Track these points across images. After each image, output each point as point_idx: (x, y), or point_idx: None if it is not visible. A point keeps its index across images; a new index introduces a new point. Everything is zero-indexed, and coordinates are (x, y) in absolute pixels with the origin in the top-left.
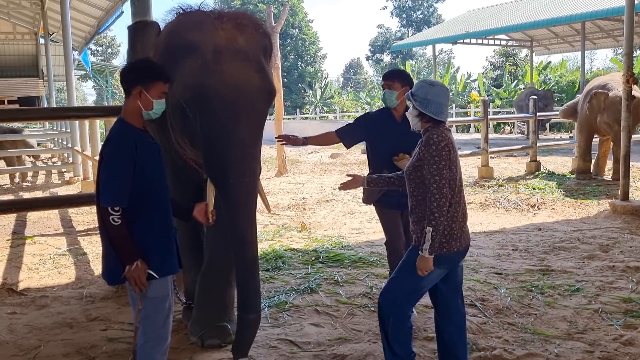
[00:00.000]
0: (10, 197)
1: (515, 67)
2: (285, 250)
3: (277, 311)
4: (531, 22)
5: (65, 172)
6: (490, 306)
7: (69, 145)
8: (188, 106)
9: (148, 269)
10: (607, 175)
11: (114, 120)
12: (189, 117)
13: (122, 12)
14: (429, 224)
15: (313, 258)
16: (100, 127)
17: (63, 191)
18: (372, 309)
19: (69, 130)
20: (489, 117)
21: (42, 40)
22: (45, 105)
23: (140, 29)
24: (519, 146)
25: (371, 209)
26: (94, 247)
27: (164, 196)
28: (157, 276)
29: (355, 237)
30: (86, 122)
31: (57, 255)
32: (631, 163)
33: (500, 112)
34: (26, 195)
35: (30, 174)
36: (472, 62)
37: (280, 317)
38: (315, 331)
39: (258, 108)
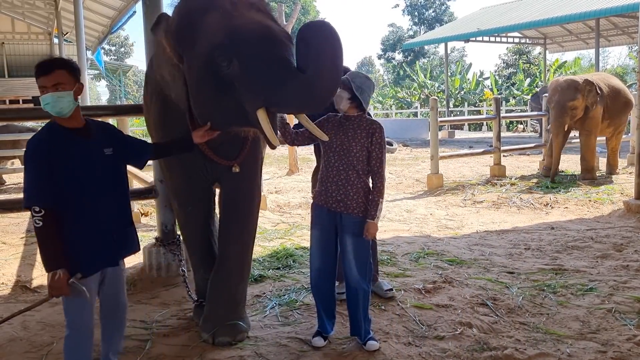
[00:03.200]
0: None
1: (528, 65)
2: (296, 248)
3: (288, 309)
4: (545, 19)
5: None
6: (501, 305)
7: None
8: (220, 52)
9: (75, 278)
10: (622, 172)
11: (126, 118)
12: (223, 66)
13: (134, 12)
14: (381, 196)
15: None
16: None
17: None
18: (383, 307)
19: None
20: (502, 115)
21: (56, 40)
22: None
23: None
24: (532, 144)
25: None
26: None
27: (89, 194)
28: (78, 284)
29: None
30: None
31: None
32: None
33: (513, 110)
34: None
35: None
36: (484, 60)
37: (290, 316)
38: None
39: (283, 42)
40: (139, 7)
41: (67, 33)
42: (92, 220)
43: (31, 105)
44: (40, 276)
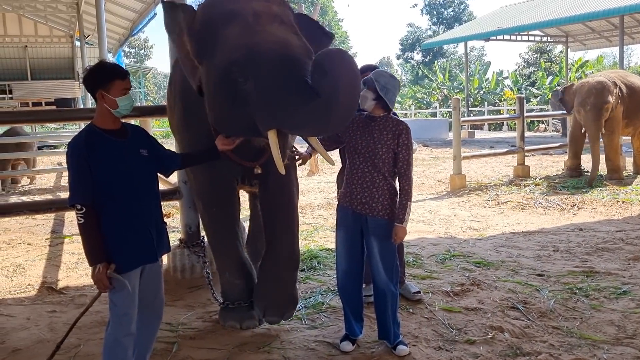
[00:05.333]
0: (49, 197)
1: (550, 63)
2: (320, 250)
3: (314, 312)
4: (567, 17)
5: None
6: (533, 309)
7: None
8: (238, 68)
9: (110, 269)
10: None
11: (148, 120)
12: (239, 82)
13: (155, 14)
14: (409, 199)
15: None
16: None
17: None
18: (410, 310)
19: None
20: (525, 114)
21: (77, 43)
22: (81, 107)
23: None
24: (556, 144)
25: None
26: None
27: (127, 192)
28: (118, 277)
29: None
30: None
31: None
32: None
33: (534, 109)
34: (63, 194)
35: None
36: (504, 59)
37: (317, 319)
38: None
39: (302, 61)
40: (159, 9)
41: (88, 36)
42: (131, 217)
43: (54, 108)
44: (65, 277)
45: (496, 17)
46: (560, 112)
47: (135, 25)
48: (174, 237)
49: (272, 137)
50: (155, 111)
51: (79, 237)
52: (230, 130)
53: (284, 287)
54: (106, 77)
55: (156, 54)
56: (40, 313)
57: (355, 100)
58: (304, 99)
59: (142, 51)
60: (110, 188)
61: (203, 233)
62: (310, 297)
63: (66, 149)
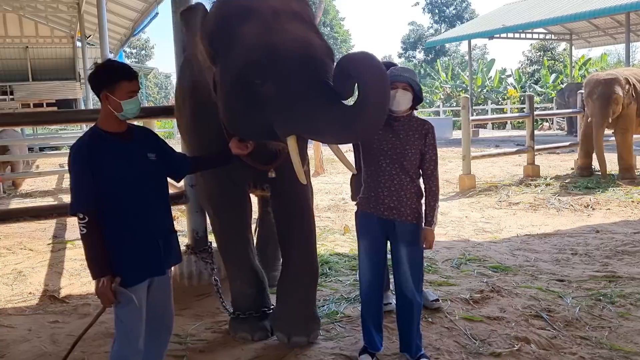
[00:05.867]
0: (51, 200)
1: (553, 61)
2: (331, 254)
3: (329, 322)
4: (572, 14)
5: None
6: (557, 318)
7: None
8: (255, 70)
9: (114, 283)
10: None
11: (153, 121)
12: (256, 84)
13: (157, 14)
14: (437, 201)
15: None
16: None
17: None
18: (430, 319)
19: None
20: (535, 113)
21: (78, 44)
22: (83, 107)
23: (187, 14)
24: (567, 143)
25: None
26: None
27: (133, 199)
28: (124, 291)
29: None
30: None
31: None
32: None
33: (537, 108)
34: (66, 198)
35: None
36: (507, 57)
37: (332, 329)
38: None
39: (324, 62)
40: (161, 8)
41: (89, 36)
42: (138, 226)
43: (55, 109)
44: (68, 285)
45: (500, 14)
46: (572, 110)
47: (137, 25)
48: (181, 242)
49: (291, 144)
50: (161, 112)
51: (81, 243)
52: (245, 134)
53: (306, 304)
54: (112, 78)
55: (157, 54)
56: (42, 324)
57: (386, 108)
58: (329, 105)
59: (143, 51)
60: (115, 195)
61: (211, 238)
62: (323, 306)
63: (68, 152)
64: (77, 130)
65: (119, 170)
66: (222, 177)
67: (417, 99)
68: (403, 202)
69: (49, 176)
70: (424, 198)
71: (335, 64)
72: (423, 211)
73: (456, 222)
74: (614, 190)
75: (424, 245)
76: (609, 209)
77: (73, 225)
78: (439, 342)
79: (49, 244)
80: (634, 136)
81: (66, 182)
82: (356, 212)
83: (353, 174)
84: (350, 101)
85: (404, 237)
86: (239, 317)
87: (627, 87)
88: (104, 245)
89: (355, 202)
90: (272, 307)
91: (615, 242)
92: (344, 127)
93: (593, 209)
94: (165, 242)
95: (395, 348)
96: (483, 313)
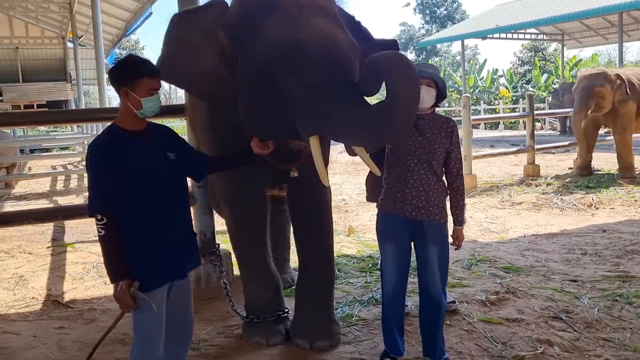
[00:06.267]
0: (45, 202)
1: (544, 62)
2: (338, 256)
3: (344, 325)
4: (565, 14)
5: None
6: (577, 319)
7: None
8: (279, 67)
9: (133, 287)
10: None
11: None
12: (279, 81)
13: (150, 13)
14: (464, 199)
15: (370, 265)
16: None
17: None
18: (448, 322)
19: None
20: (535, 112)
21: (69, 44)
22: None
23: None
24: (566, 142)
25: None
26: None
27: (152, 199)
28: (143, 296)
29: None
30: None
31: (99, 264)
32: None
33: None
34: (61, 200)
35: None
36: (498, 57)
37: (348, 332)
38: None
39: (350, 59)
40: (155, 8)
41: (82, 36)
42: (157, 228)
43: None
44: (72, 289)
45: (492, 15)
46: (570, 109)
47: (130, 25)
48: None
49: (314, 144)
50: (171, 111)
51: (82, 245)
52: (266, 133)
53: (326, 308)
54: (132, 74)
55: (148, 55)
56: (47, 329)
57: (415, 110)
58: (356, 106)
59: (133, 52)
60: (134, 195)
61: (218, 240)
62: (336, 309)
63: (86, 151)
64: (67, 132)
65: (137, 170)
66: (241, 177)
67: (441, 96)
68: (431, 202)
69: (42, 178)
70: (450, 197)
71: (357, 60)
72: (447, 210)
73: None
74: (615, 189)
75: (455, 245)
76: (612, 208)
77: (72, 228)
78: (460, 346)
79: (48, 247)
80: (634, 135)
81: (60, 184)
82: (378, 214)
83: (369, 176)
84: (371, 100)
85: (432, 237)
86: (252, 321)
87: (617, 82)
88: (123, 248)
89: (375, 204)
90: (286, 310)
91: (624, 241)
92: (372, 130)
93: (597, 208)
94: (185, 244)
95: (415, 352)
96: (501, 315)
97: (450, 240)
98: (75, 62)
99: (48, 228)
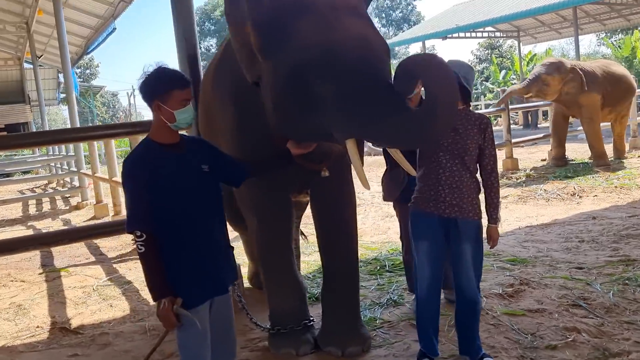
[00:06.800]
0: (22, 228)
1: (501, 58)
2: None
3: (370, 329)
4: (522, 11)
5: (69, 197)
6: (595, 305)
7: (72, 168)
8: (313, 69)
9: (176, 304)
10: (630, 157)
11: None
12: (313, 83)
13: (114, 29)
14: (499, 197)
15: (378, 267)
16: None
17: (74, 217)
18: None
19: (72, 154)
20: (510, 107)
21: (26, 65)
22: (34, 131)
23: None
24: (541, 135)
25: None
26: (136, 274)
27: (190, 213)
28: (186, 313)
29: None
30: (95, 143)
31: (99, 286)
32: None
33: (491, 104)
34: (37, 224)
35: None
36: (457, 57)
37: (376, 336)
38: None
39: (385, 61)
40: (119, 23)
41: (41, 56)
42: (196, 243)
43: (4, 134)
44: (77, 315)
45: (450, 15)
46: (544, 102)
47: (91, 42)
48: None
49: (352, 146)
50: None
51: (76, 269)
52: (297, 135)
53: (355, 313)
54: (163, 87)
55: (103, 72)
56: (59, 358)
57: (456, 110)
58: (395, 108)
59: (87, 70)
60: (172, 210)
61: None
62: None
63: (122, 166)
64: (28, 155)
65: (174, 184)
66: (267, 182)
67: (466, 92)
68: (464, 199)
69: (10, 204)
70: (485, 195)
71: (389, 62)
72: (480, 207)
73: None
74: (594, 177)
75: (490, 244)
76: (595, 195)
77: (59, 252)
78: (490, 340)
79: (40, 274)
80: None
81: (33, 208)
82: (411, 212)
83: (385, 173)
84: None
85: (466, 235)
86: (279, 332)
87: (571, 75)
88: (163, 265)
89: (392, 204)
90: (312, 319)
91: (616, 227)
92: (414, 132)
93: (580, 197)
94: (224, 257)
95: (448, 351)
96: (522, 306)
97: (485, 238)
98: (36, 82)
99: (35, 254)
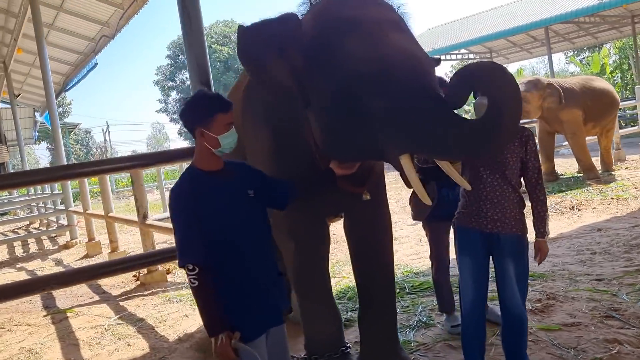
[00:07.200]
0: (12, 270)
1: None
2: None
3: (407, 352)
4: (493, 33)
5: (55, 236)
6: (628, 315)
7: (59, 207)
8: (365, 84)
9: (234, 338)
10: (617, 169)
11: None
12: (365, 99)
13: (95, 64)
14: (547, 210)
15: (398, 290)
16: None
17: (65, 257)
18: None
19: (58, 191)
20: None
21: (1, 105)
22: (10, 172)
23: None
24: None
25: (414, 231)
26: (147, 310)
27: (240, 242)
28: (246, 347)
29: (420, 262)
30: (86, 180)
31: (111, 326)
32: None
33: None
34: (27, 265)
35: None
36: None
37: (414, 359)
38: None
39: (432, 74)
40: (100, 58)
41: (19, 95)
42: (248, 272)
43: None
44: (94, 357)
45: (426, 38)
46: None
47: (70, 79)
48: (182, 295)
49: (407, 162)
50: (178, 155)
51: (82, 309)
52: (347, 154)
53: (394, 335)
54: (207, 112)
55: (75, 110)
56: None
57: (519, 122)
58: (452, 121)
59: (60, 108)
60: (223, 240)
61: None
62: None
63: (168, 198)
64: (4, 197)
65: (223, 213)
66: (306, 205)
67: None
68: (507, 214)
69: None
70: (532, 208)
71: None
72: (525, 221)
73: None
74: (588, 190)
75: (537, 258)
76: (594, 208)
77: (60, 293)
78: (533, 357)
79: (45, 316)
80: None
81: (18, 250)
82: (454, 228)
83: (411, 194)
84: None
85: (509, 250)
86: None
87: (549, 91)
88: (217, 298)
89: (421, 224)
90: (348, 345)
91: (624, 237)
92: (476, 144)
93: (579, 210)
94: (276, 286)
95: None
96: (556, 321)
97: (532, 253)
98: (15, 122)
99: (34, 297)
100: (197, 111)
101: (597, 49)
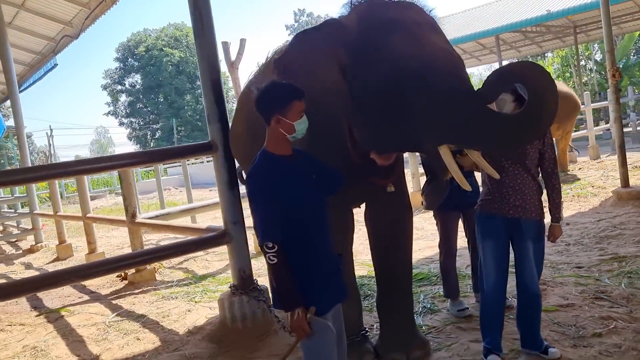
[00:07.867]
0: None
1: None
2: (359, 277)
3: None
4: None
5: (16, 241)
6: (615, 296)
7: (20, 210)
8: (408, 80)
9: (309, 312)
10: (571, 170)
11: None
12: (407, 93)
13: (55, 65)
14: (561, 197)
15: None
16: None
17: (33, 260)
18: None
19: (23, 194)
20: None
21: None
22: None
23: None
24: None
25: None
26: (145, 307)
27: (311, 222)
28: (322, 320)
29: (414, 254)
30: (56, 182)
31: (112, 322)
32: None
33: None
34: (29, 273)
35: None
36: None
37: (429, 340)
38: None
39: (466, 72)
40: (60, 58)
41: None
42: (320, 250)
43: None
44: (105, 351)
45: None
46: None
47: (24, 80)
48: (183, 292)
49: (446, 152)
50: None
51: (75, 308)
52: (388, 146)
53: (412, 318)
54: (285, 99)
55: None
56: None
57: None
58: (489, 114)
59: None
60: (298, 220)
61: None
62: None
63: (247, 180)
64: None
65: (297, 194)
66: (335, 196)
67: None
68: (527, 200)
69: None
70: (547, 195)
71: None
72: (542, 207)
73: (436, 233)
74: None
75: (551, 240)
76: None
77: (44, 294)
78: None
79: (37, 316)
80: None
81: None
82: (478, 215)
83: (424, 184)
84: None
85: (529, 234)
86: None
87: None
88: (292, 275)
89: (432, 213)
90: (367, 329)
91: (592, 230)
92: (514, 135)
93: (545, 207)
94: (339, 263)
95: (506, 347)
96: (552, 303)
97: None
98: None
99: (20, 298)
100: (275, 99)
101: (541, 56)
